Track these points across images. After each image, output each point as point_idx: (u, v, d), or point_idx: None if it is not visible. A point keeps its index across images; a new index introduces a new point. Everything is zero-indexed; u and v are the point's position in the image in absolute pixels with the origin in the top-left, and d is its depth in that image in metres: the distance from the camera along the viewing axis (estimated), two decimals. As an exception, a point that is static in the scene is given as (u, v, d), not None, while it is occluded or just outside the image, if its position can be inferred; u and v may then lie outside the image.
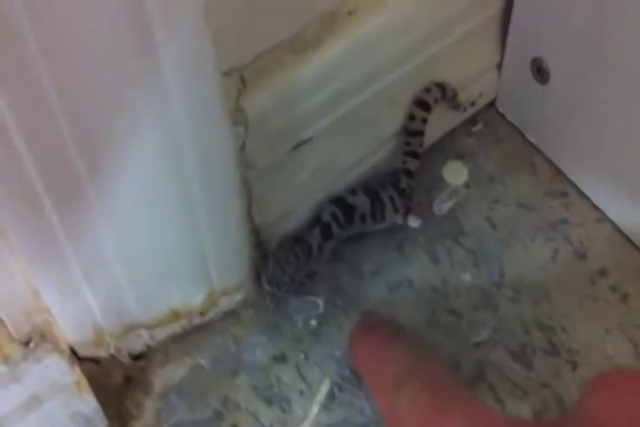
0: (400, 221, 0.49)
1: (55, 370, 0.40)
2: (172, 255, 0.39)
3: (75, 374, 0.40)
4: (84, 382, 0.39)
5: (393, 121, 0.49)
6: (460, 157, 0.53)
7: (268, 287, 0.43)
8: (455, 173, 0.52)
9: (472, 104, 0.51)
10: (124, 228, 0.36)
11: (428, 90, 0.48)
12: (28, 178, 0.29)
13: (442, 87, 0.48)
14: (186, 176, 0.35)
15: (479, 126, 0.54)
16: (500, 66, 0.52)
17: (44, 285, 0.37)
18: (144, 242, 0.37)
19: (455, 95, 0.49)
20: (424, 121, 0.48)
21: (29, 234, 0.33)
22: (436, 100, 0.48)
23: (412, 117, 0.48)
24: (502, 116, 0.54)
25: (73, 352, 0.40)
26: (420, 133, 0.48)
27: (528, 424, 0.27)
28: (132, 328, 0.41)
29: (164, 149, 0.33)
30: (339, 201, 0.46)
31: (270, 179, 0.43)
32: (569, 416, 0.28)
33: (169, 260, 0.40)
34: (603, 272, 0.49)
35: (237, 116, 0.38)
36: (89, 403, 0.39)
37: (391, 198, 0.47)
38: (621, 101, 0.44)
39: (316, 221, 0.46)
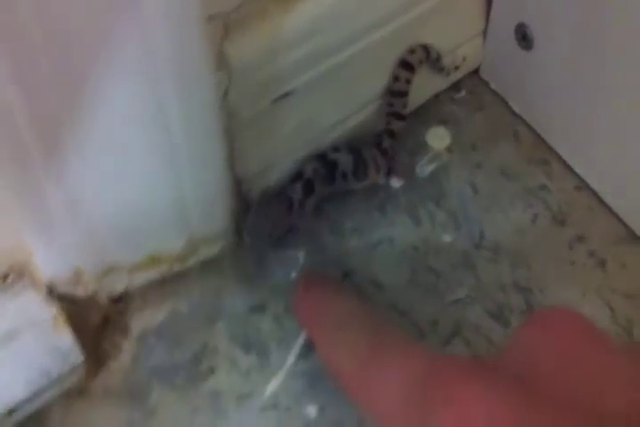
0: (382, 180, 0.53)
1: (32, 306, 0.42)
2: (152, 200, 0.42)
3: (52, 310, 0.42)
4: (62, 318, 0.42)
5: (377, 81, 0.52)
6: (443, 122, 0.56)
7: (248, 239, 0.46)
8: (438, 138, 0.56)
9: (456, 68, 0.55)
10: (104, 169, 0.38)
11: (412, 51, 0.52)
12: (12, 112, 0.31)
13: (426, 49, 0.52)
14: (168, 120, 0.37)
15: (463, 93, 0.58)
16: (484, 33, 0.56)
17: (25, 222, 0.40)
18: (124, 184, 0.40)
19: (439, 58, 0.53)
20: (408, 82, 0.52)
21: (11, 170, 0.35)
22: (420, 62, 0.52)
23: (396, 78, 0.52)
24: (486, 83, 0.58)
25: (51, 290, 0.43)
26: (404, 94, 0.52)
27: (463, 361, 0.30)
28: (111, 270, 0.44)
29: (146, 91, 0.35)
30: (321, 158, 0.50)
31: (252, 131, 0.47)
32: (503, 352, 0.30)
33: (149, 204, 0.42)
34: (581, 238, 0.53)
35: (220, 62, 0.42)
36: (66, 339, 0.42)
37: (373, 158, 0.51)
38: (605, 71, 0.47)
39: (298, 176, 0.49)
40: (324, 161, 0.49)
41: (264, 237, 0.46)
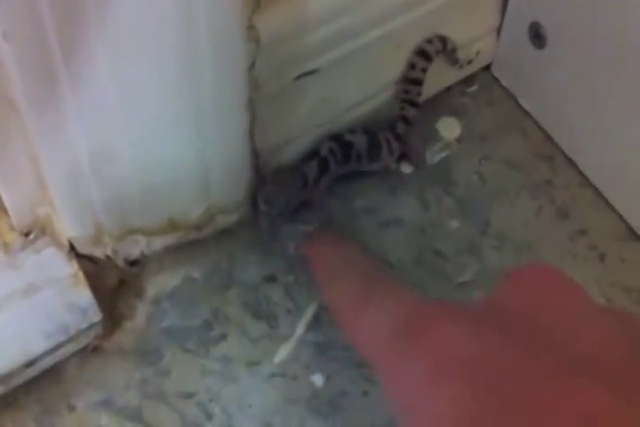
0: (393, 165, 0.55)
1: (53, 262, 0.44)
2: (177, 162, 0.44)
3: (72, 268, 0.44)
4: (81, 276, 0.44)
5: (395, 67, 0.55)
6: (454, 113, 0.59)
7: (263, 206, 0.48)
8: (449, 128, 0.58)
9: (469, 62, 0.58)
10: (133, 124, 0.40)
11: (429, 41, 0.54)
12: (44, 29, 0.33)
13: (443, 40, 0.55)
14: (199, 83, 0.39)
15: (474, 88, 0.61)
16: (499, 30, 0.59)
17: (50, 176, 0.42)
18: (150, 143, 0.42)
19: (455, 50, 0.56)
20: (424, 71, 0.55)
21: (40, 108, 0.36)
22: (437, 52, 0.55)
23: (412, 66, 0.54)
24: (497, 80, 0.61)
25: (72, 249, 0.45)
26: (419, 82, 0.55)
27: (445, 304, 0.32)
28: (130, 232, 0.46)
29: (183, 52, 0.37)
30: (337, 138, 0.52)
31: (273, 105, 0.49)
32: (484, 301, 0.32)
33: (173, 166, 0.44)
34: (583, 232, 0.56)
35: (250, 33, 0.44)
36: (85, 296, 0.43)
37: (387, 141, 0.53)
38: (615, 72, 0.50)
39: (314, 154, 0.51)
40: (340, 141, 0.51)
41: (278, 205, 0.48)
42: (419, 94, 0.55)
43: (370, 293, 0.38)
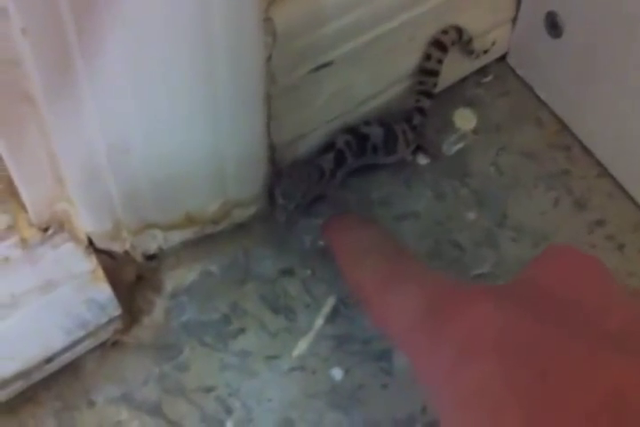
0: (409, 156, 0.55)
1: (71, 257, 0.44)
2: (193, 156, 0.44)
3: (91, 263, 0.44)
4: (100, 271, 0.43)
5: (410, 59, 0.54)
6: (469, 104, 0.59)
7: (280, 199, 0.47)
8: (464, 119, 0.58)
9: (485, 52, 0.57)
10: (149, 117, 0.39)
11: (445, 32, 0.54)
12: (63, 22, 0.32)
13: (459, 30, 0.54)
14: (216, 75, 0.39)
15: (489, 78, 0.60)
16: (514, 20, 0.59)
17: (68, 170, 0.42)
18: (167, 136, 0.41)
19: (470, 40, 0.55)
20: (439, 61, 0.54)
21: (57, 103, 0.36)
22: (453, 43, 0.54)
23: (428, 57, 0.54)
24: (512, 70, 0.60)
25: (90, 243, 0.45)
26: (435, 73, 0.54)
27: (474, 285, 0.32)
28: (147, 227, 0.46)
29: (200, 47, 0.37)
30: (353, 131, 0.52)
31: (290, 98, 0.49)
32: (515, 281, 0.33)
33: (190, 160, 0.44)
34: (601, 223, 0.55)
35: (267, 25, 0.44)
36: (104, 291, 0.43)
37: (404, 132, 0.53)
38: (632, 63, 0.50)
39: (330, 147, 0.51)
40: (356, 134, 0.51)
41: (295, 198, 0.48)
42: (434, 85, 0.54)
43: (395, 273, 0.38)
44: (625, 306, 0.31)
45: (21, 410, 0.43)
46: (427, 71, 0.54)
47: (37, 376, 0.43)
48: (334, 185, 0.51)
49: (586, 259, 0.34)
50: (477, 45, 0.56)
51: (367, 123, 0.52)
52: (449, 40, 0.54)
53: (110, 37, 0.34)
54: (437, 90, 0.57)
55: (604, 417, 0.25)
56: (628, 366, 0.26)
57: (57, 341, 0.42)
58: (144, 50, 0.35)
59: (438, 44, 0.53)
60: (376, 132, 0.51)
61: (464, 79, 0.59)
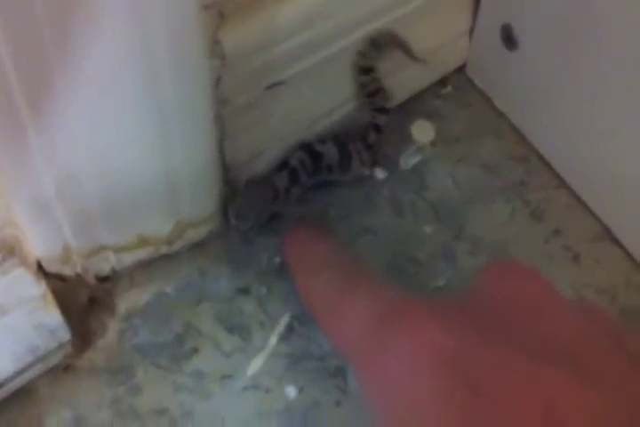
0: (366, 172, 0.54)
1: (21, 283, 0.43)
2: (143, 180, 0.43)
3: (41, 288, 0.43)
4: (50, 296, 0.43)
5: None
6: (428, 116, 0.58)
7: (234, 221, 0.47)
8: (423, 131, 0.57)
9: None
10: (95, 144, 0.39)
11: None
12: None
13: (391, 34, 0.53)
14: (162, 101, 0.38)
15: (448, 89, 0.59)
16: (471, 31, 0.58)
17: (15, 199, 0.41)
18: (115, 161, 0.40)
19: (404, 43, 0.53)
20: (375, 59, 0.52)
21: (3, 144, 0.36)
22: (386, 43, 0.52)
23: (363, 55, 0.52)
24: (471, 81, 0.60)
25: (40, 268, 0.44)
26: (371, 70, 0.52)
27: (422, 300, 0.32)
28: (99, 250, 0.45)
29: (142, 73, 0.36)
30: (307, 148, 0.51)
31: (243, 118, 0.48)
32: (464, 294, 0.34)
33: (140, 183, 0.43)
34: (557, 233, 0.55)
35: (215, 49, 0.43)
36: (54, 316, 0.43)
37: (358, 152, 0.52)
38: (587, 74, 0.49)
39: (284, 165, 0.50)
40: (311, 152, 0.50)
41: (250, 219, 0.47)
42: (387, 100, 0.53)
43: (349, 287, 0.38)
44: (566, 318, 0.31)
45: (-27, 437, 0.43)
46: (364, 69, 0.52)
47: (-12, 402, 0.42)
48: (289, 203, 0.51)
49: (527, 272, 0.34)
50: (417, 50, 0.55)
51: (322, 140, 0.51)
52: (382, 40, 0.52)
53: (52, 62, 0.33)
54: (397, 102, 0.56)
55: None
56: (559, 376, 0.27)
57: (6, 366, 0.41)
58: (87, 73, 0.34)
59: (372, 43, 0.52)
60: (330, 152, 0.51)
61: (423, 91, 0.58)
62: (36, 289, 0.43)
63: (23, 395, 0.43)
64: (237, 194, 0.47)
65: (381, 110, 0.53)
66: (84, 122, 0.36)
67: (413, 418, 0.28)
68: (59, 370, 0.44)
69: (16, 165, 0.37)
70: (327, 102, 0.52)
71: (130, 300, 0.47)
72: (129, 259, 0.47)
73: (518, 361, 0.28)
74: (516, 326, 0.30)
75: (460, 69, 0.60)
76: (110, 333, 0.45)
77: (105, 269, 0.46)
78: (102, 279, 0.46)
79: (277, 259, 0.50)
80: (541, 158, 0.57)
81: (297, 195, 0.51)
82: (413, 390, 0.29)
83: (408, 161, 0.56)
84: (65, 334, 0.42)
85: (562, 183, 0.56)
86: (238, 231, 0.48)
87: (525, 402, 0.26)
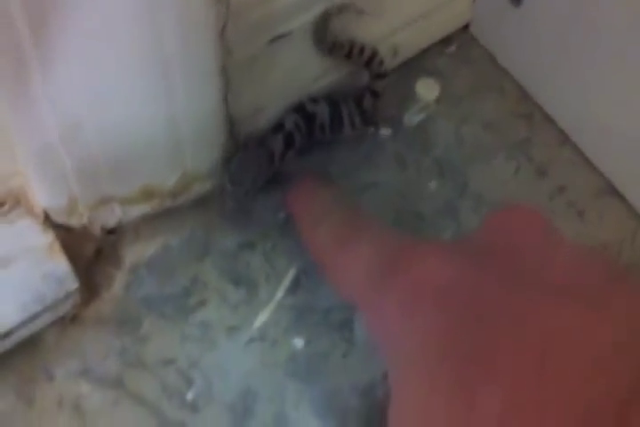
0: (370, 130, 0.53)
1: (28, 233, 0.43)
2: (148, 129, 0.43)
3: (47, 238, 0.43)
4: (57, 245, 0.42)
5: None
6: (432, 75, 0.57)
7: (229, 187, 0.46)
8: (427, 89, 0.57)
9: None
10: (100, 91, 0.38)
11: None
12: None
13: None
14: (166, 46, 0.37)
15: (453, 48, 0.59)
16: (476, -12, 0.57)
17: (21, 148, 0.40)
18: (120, 108, 0.40)
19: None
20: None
21: (8, 89, 0.35)
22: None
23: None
24: (475, 39, 0.59)
25: (47, 219, 0.43)
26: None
27: (424, 241, 0.32)
28: (105, 201, 0.45)
29: (146, 21, 0.36)
30: (301, 109, 0.49)
31: (246, 72, 0.47)
32: (468, 237, 0.34)
33: (145, 133, 0.43)
34: (562, 189, 0.54)
35: (220, -3, 0.42)
36: (61, 265, 0.42)
37: (350, 114, 0.50)
38: (592, 29, 0.49)
39: (279, 128, 0.49)
40: (304, 113, 0.49)
41: (244, 186, 0.46)
42: (381, 64, 0.52)
43: (350, 233, 0.38)
44: (569, 258, 0.31)
45: (-20, 386, 0.43)
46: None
47: (-5, 352, 0.42)
48: (286, 166, 0.50)
49: (531, 214, 0.34)
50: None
51: (315, 100, 0.50)
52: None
53: (57, 5, 0.32)
54: (401, 59, 0.55)
55: (530, 356, 0.26)
56: (557, 309, 0.27)
57: (13, 316, 0.41)
58: (92, 19, 0.34)
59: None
60: (323, 111, 0.49)
61: (427, 49, 0.58)
62: (43, 238, 0.43)
63: (30, 345, 0.43)
64: (232, 159, 0.47)
65: (378, 76, 0.52)
66: (86, 62, 0.35)
67: (421, 357, 0.28)
68: (66, 321, 0.44)
69: (20, 108, 0.37)
70: (330, 59, 0.51)
71: (135, 252, 0.46)
72: (134, 212, 0.46)
73: (521, 295, 0.28)
74: (519, 261, 0.30)
75: (465, 28, 0.59)
76: (116, 284, 0.45)
77: (111, 221, 0.46)
78: (108, 231, 0.46)
79: (282, 214, 0.49)
80: (545, 115, 0.57)
81: (293, 157, 0.50)
82: (419, 325, 0.29)
83: (412, 118, 0.55)
84: (72, 284, 0.42)
85: (566, 139, 0.56)
86: (234, 197, 0.47)
87: (524, 333, 0.26)
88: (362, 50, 0.50)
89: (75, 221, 0.44)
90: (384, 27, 0.53)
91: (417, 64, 0.57)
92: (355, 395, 0.44)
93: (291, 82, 0.51)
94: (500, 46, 0.58)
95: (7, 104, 0.36)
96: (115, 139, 0.42)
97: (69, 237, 0.44)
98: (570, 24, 0.50)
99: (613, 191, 0.54)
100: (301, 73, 0.51)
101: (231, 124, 0.48)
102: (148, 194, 0.46)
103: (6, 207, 0.43)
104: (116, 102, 0.39)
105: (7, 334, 0.41)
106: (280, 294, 0.47)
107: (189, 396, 0.44)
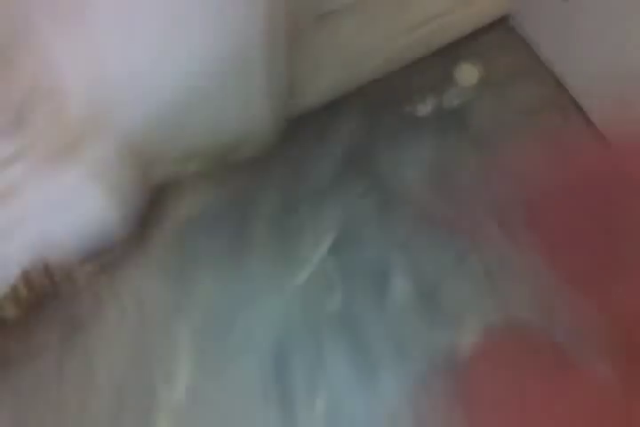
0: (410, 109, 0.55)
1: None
2: (218, 74, 0.43)
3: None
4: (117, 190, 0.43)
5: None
6: (472, 60, 0.59)
7: None
8: (466, 74, 0.58)
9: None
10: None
11: None
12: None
13: None
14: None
15: (493, 35, 0.60)
16: (519, -21, 0.59)
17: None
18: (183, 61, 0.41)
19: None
20: None
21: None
22: None
23: None
24: (514, 29, 0.61)
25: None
26: None
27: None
28: (161, 156, 0.46)
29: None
30: None
31: (307, 40, 0.48)
32: None
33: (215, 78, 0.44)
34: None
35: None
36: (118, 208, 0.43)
37: None
38: (636, 21, 0.50)
39: None
40: None
41: None
42: None
43: None
44: None
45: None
46: None
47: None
48: None
49: None
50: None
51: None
52: None
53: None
54: (443, 43, 0.57)
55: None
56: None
57: (71, 253, 0.42)
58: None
59: None
60: None
61: (467, 35, 0.59)
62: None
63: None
64: None
65: None
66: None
67: None
68: (119, 261, 0.45)
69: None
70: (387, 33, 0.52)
71: (186, 207, 0.47)
72: (190, 167, 0.47)
73: None
74: None
75: (504, 17, 0.60)
76: (168, 236, 0.46)
77: (165, 175, 0.47)
78: (162, 186, 0.47)
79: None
80: (578, 107, 0.58)
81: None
82: None
83: (451, 102, 0.57)
84: (126, 228, 0.43)
85: (596, 132, 0.57)
86: None
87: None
88: None
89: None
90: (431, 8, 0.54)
91: (457, 49, 0.59)
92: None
93: (356, 52, 0.52)
94: (539, 36, 0.60)
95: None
96: (176, 95, 0.43)
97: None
98: (614, 16, 0.52)
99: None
100: (358, 48, 0.52)
101: (291, 85, 0.49)
102: (204, 152, 0.47)
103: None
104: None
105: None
106: (323, 251, 0.48)
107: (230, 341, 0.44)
